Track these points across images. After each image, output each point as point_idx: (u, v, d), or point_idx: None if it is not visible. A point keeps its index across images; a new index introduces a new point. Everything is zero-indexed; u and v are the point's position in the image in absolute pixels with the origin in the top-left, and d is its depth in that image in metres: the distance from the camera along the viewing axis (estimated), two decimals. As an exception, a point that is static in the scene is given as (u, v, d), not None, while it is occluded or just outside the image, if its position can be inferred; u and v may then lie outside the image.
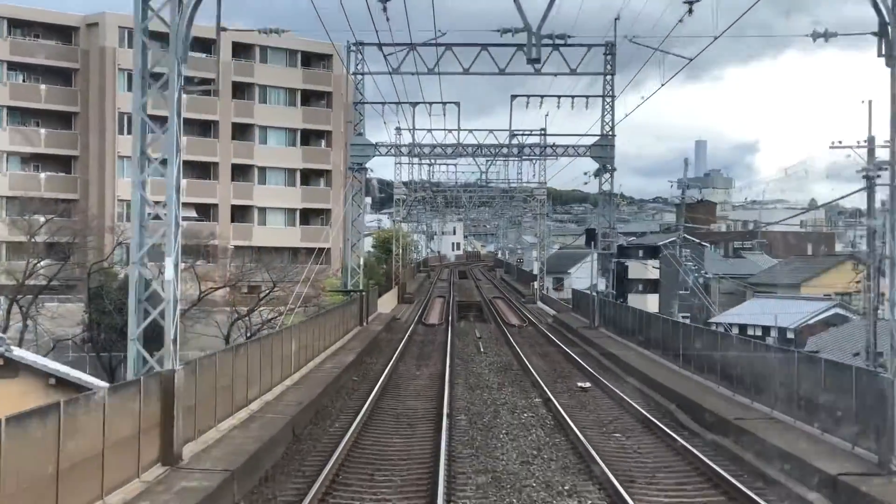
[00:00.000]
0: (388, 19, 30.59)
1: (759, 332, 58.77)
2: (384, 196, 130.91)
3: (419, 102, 50.82)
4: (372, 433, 22.73)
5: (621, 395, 28.07)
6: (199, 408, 18.58)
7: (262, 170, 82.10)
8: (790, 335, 57.34)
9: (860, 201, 40.27)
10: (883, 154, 36.40)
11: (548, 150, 57.25)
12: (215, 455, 17.60)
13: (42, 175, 74.43)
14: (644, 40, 35.48)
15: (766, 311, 61.46)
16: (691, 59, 32.69)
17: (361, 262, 51.12)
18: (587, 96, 49.96)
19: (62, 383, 23.86)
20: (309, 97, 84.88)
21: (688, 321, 44.97)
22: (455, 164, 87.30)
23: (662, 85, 40.61)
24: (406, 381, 32.13)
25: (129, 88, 51.61)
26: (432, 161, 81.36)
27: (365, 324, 46.19)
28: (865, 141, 37.65)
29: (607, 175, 49.31)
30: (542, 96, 51.05)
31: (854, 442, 18.26)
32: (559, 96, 49.86)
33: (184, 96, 18.07)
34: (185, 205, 67.91)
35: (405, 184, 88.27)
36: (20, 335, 47.62)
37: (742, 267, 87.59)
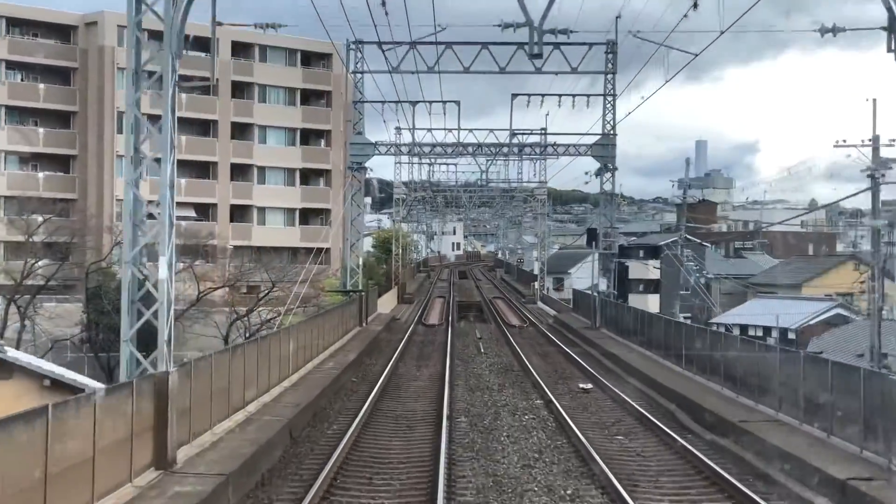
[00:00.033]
0: (386, 13, 30.43)
1: (760, 333, 58.45)
2: (384, 196, 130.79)
3: (419, 101, 50.57)
4: (371, 435, 22.47)
5: (623, 396, 27.82)
6: (195, 410, 18.28)
7: (262, 169, 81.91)
8: (791, 336, 57.02)
9: (860, 202, 40.05)
10: (887, 153, 36.18)
11: (548, 150, 56.95)
12: (210, 459, 17.31)
13: (40, 174, 74.21)
14: (646, 38, 35.22)
15: (767, 311, 61.09)
16: (696, 55, 32.41)
17: (361, 262, 50.87)
18: (588, 95, 49.62)
19: (57, 385, 23.70)
20: (308, 96, 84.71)
21: (689, 321, 44.68)
22: (455, 164, 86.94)
23: (667, 81, 40.00)
24: (406, 382, 31.89)
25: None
26: (432, 161, 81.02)
27: (364, 324, 45.93)
28: (869, 140, 37.37)
29: (608, 174, 49.00)
30: (542, 95, 50.57)
31: (862, 445, 17.98)
32: (560, 95, 49.41)
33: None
34: (184, 204, 68.05)
35: (405, 183, 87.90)
36: (18, 335, 47.45)
37: (743, 267, 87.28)
